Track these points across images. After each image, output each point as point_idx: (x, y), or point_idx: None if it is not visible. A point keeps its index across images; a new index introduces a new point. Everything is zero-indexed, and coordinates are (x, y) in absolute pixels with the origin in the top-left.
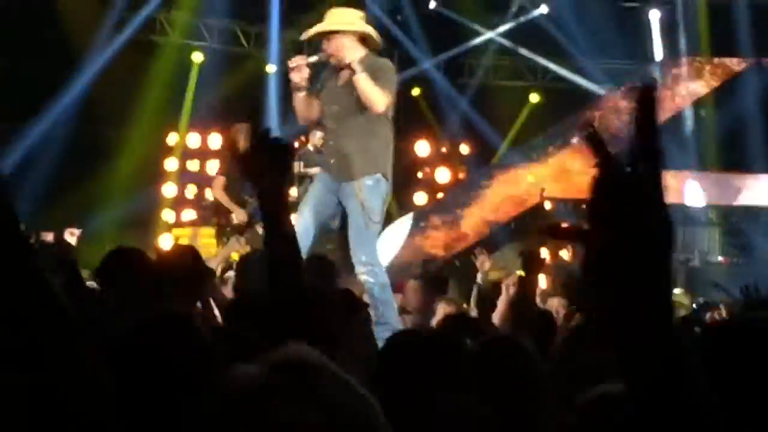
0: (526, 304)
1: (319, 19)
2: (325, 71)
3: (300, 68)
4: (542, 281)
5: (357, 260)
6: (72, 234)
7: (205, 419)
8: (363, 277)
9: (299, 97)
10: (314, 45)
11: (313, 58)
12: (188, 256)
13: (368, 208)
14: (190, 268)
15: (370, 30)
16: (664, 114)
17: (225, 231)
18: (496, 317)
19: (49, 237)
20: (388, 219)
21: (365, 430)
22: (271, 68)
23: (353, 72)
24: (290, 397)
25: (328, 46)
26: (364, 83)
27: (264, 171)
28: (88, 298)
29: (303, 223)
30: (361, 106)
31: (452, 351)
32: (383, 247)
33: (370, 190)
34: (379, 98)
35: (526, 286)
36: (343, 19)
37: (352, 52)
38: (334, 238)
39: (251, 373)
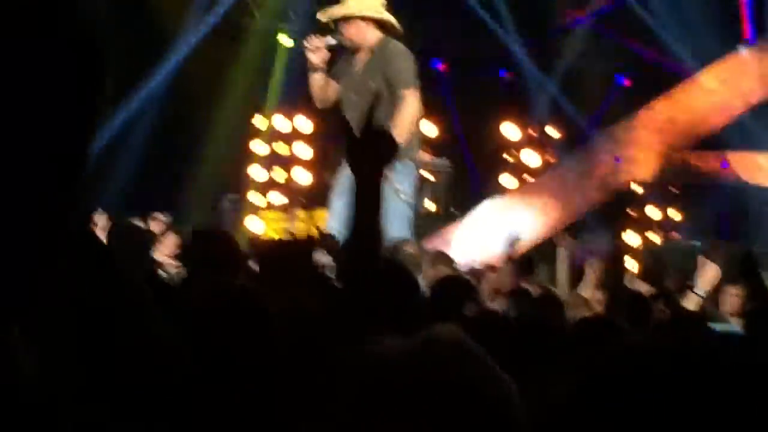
0: (619, 286)
1: None
2: (340, 56)
3: (319, 49)
4: (632, 265)
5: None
6: (155, 220)
7: (355, 385)
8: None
9: (316, 78)
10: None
11: (331, 41)
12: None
13: (400, 191)
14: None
15: (389, 17)
16: (760, 95)
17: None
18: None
19: (102, 220)
20: (473, 200)
21: (504, 408)
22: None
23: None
24: (441, 369)
25: (347, 30)
26: (400, 125)
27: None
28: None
29: (336, 219)
30: (370, 94)
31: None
32: (469, 234)
33: (399, 174)
34: (405, 118)
35: (616, 266)
36: (363, 5)
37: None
38: None
39: (406, 345)
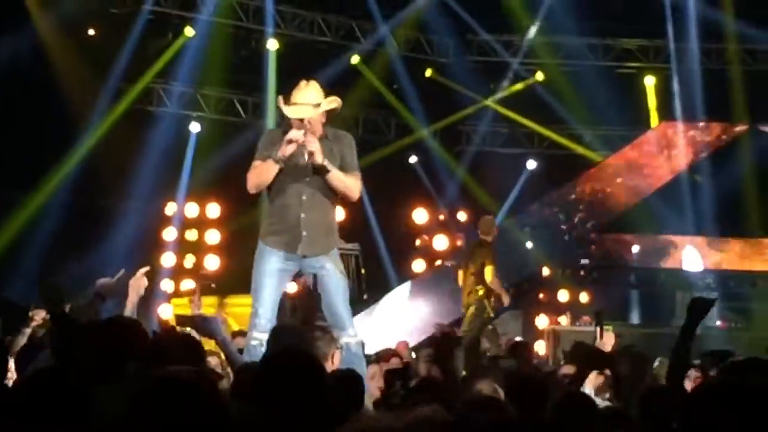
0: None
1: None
2: (279, 140)
3: (297, 141)
4: (541, 348)
5: (346, 323)
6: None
7: None
8: (353, 339)
9: (275, 168)
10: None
11: (301, 135)
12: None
13: (345, 276)
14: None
15: (339, 104)
16: (661, 179)
17: None
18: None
19: (41, 315)
20: (385, 286)
21: None
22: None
23: (324, 169)
24: None
25: (309, 124)
26: (338, 180)
27: None
28: None
29: (268, 306)
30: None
31: None
32: (384, 314)
33: (337, 256)
34: (355, 187)
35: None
36: (320, 95)
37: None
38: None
39: (392, 424)
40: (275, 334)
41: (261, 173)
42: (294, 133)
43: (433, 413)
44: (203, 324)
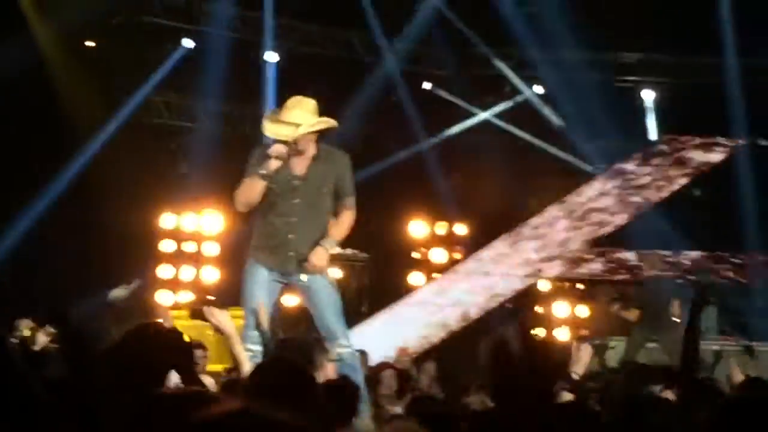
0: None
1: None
2: (261, 157)
3: (280, 157)
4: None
5: (338, 334)
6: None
7: None
8: (345, 350)
9: (261, 185)
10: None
11: (285, 151)
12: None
13: (335, 287)
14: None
15: (332, 122)
16: (658, 193)
17: None
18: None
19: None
20: (382, 300)
21: None
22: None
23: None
24: None
25: (295, 143)
26: (340, 238)
27: None
28: None
29: (260, 318)
30: (322, 200)
31: None
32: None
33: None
34: (351, 221)
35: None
36: (312, 115)
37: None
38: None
39: None
40: (278, 346)
41: (246, 190)
42: (276, 149)
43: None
44: (214, 315)
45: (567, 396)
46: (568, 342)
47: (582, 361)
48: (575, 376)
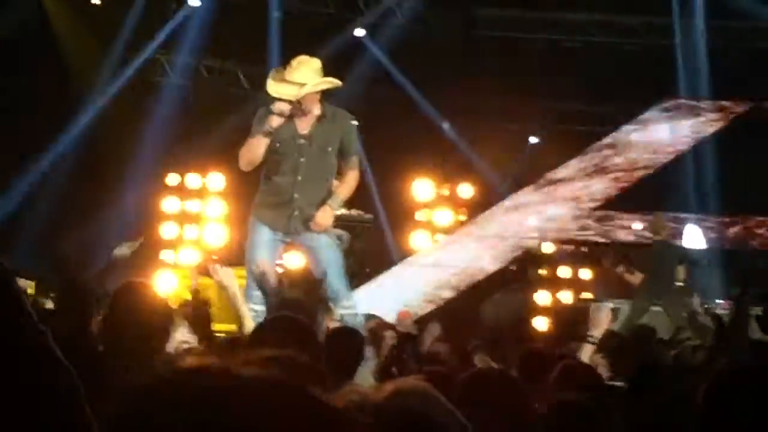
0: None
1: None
2: (268, 115)
3: (282, 114)
4: (543, 324)
5: (341, 295)
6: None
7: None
8: (348, 311)
9: (264, 142)
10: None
11: (287, 108)
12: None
13: (339, 248)
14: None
15: (336, 81)
16: (665, 156)
17: None
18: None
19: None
20: (385, 259)
21: None
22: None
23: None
24: (411, 411)
25: (304, 100)
26: (345, 197)
27: None
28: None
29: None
30: (327, 159)
31: None
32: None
33: (332, 232)
34: (355, 180)
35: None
36: (316, 74)
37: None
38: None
39: (375, 395)
40: (281, 306)
41: (250, 149)
42: (279, 106)
43: (415, 383)
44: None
45: (587, 349)
46: (584, 304)
47: (601, 324)
48: (592, 340)
